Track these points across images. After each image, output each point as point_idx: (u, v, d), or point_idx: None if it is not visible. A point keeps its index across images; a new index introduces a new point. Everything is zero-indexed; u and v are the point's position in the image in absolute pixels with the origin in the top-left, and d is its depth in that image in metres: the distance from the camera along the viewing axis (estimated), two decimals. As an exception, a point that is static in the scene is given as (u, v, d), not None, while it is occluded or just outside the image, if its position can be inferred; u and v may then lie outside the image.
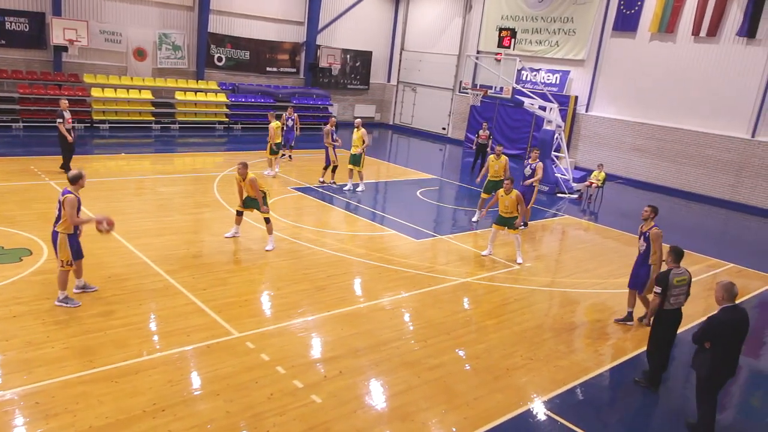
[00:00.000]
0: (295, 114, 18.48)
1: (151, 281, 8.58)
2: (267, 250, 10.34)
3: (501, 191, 11.08)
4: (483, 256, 11.37)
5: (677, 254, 6.96)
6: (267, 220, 10.46)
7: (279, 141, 16.34)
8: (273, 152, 16.30)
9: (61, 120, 13.85)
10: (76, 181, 7.44)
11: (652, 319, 7.19)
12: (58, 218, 7.30)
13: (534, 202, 14.07)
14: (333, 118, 16.83)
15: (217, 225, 11.53)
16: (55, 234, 7.34)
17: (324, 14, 27.09)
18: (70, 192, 7.29)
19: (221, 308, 7.94)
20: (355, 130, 15.50)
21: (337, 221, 12.78)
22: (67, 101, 14.55)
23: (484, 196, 13.67)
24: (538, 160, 13.79)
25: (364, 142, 15.30)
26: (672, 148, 20.53)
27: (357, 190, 15.53)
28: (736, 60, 18.87)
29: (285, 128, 17.80)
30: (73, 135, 14.17)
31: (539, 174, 13.52)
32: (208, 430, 5.47)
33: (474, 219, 13.76)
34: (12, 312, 7.25)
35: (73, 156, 14.49)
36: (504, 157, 13.77)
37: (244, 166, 10.42)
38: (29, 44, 20.28)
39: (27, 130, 19.63)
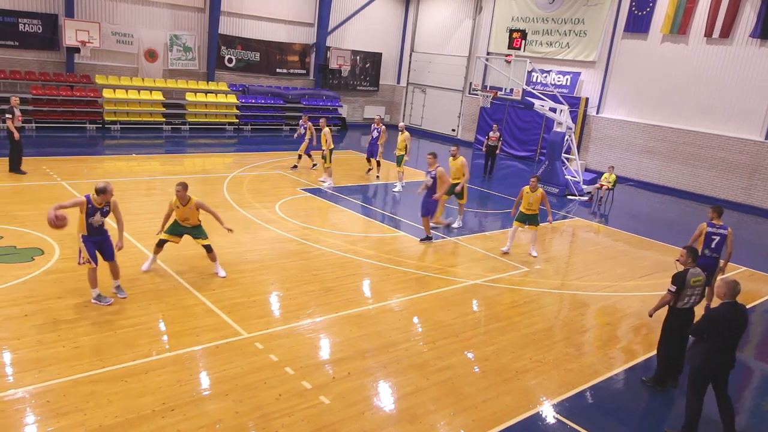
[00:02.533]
0: (310, 122, 17.57)
1: (160, 281, 8.62)
2: (222, 277, 8.98)
3: (526, 188, 11.31)
4: (503, 252, 11.60)
5: (694, 254, 6.96)
6: (209, 248, 8.94)
7: (332, 147, 15.94)
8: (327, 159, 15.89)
9: (10, 116, 13.42)
10: (100, 192, 7.41)
11: (657, 311, 7.17)
12: None
13: (442, 215, 12.12)
14: (323, 119, 17.46)
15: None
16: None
17: (334, 16, 27.15)
18: (89, 195, 7.42)
19: (230, 309, 7.97)
20: (400, 133, 16.57)
21: (346, 222, 12.79)
22: (18, 98, 14.05)
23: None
24: (437, 165, 11.49)
25: (407, 146, 16.25)
26: (684, 150, 20.37)
27: (393, 189, 16.32)
28: (750, 61, 18.69)
29: (298, 136, 17.67)
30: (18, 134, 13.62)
31: (445, 184, 11.51)
32: (216, 430, 5.48)
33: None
34: (24, 311, 7.31)
35: (23, 158, 13.87)
36: (460, 158, 12.78)
37: (184, 187, 8.56)
38: (42, 46, 20.49)
39: (40, 130, 19.81)
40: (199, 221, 8.88)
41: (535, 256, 11.64)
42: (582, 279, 10.88)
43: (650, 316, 7.25)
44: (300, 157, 17.51)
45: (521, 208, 11.45)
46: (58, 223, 7.11)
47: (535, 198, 11.20)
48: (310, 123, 17.53)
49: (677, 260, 7.14)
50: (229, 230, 8.99)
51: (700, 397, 6.14)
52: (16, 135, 13.49)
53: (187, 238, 8.96)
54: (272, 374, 6.49)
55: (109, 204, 7.56)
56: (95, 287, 7.65)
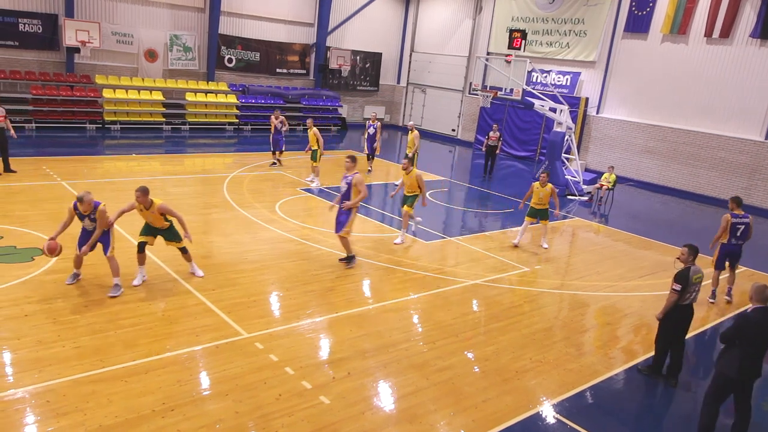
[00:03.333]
0: (282, 116, 17.87)
1: (160, 281, 8.62)
2: (200, 276, 8.92)
3: (537, 184, 11.85)
4: (513, 244, 12.12)
5: (695, 252, 7.16)
6: (184, 250, 8.77)
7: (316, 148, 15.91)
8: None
9: None
10: (79, 201, 7.75)
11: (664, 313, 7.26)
12: None
13: (350, 229, 9.88)
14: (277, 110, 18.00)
15: (226, 226, 11.58)
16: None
17: (334, 16, 27.15)
18: (76, 203, 7.82)
19: (230, 309, 7.97)
20: (410, 132, 16.87)
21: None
22: None
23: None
24: (355, 171, 9.88)
25: (416, 144, 16.54)
26: (684, 150, 20.37)
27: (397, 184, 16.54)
28: (750, 61, 18.69)
29: (274, 131, 17.51)
30: (11, 135, 13.67)
31: (362, 194, 9.74)
32: (217, 430, 5.48)
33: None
34: (24, 311, 7.31)
35: (9, 157, 13.73)
36: (414, 171, 11.69)
37: (144, 192, 8.21)
38: (42, 46, 20.49)
39: (40, 130, 19.81)
40: (169, 223, 8.56)
41: (545, 248, 12.28)
42: (582, 279, 10.88)
43: (659, 319, 7.29)
44: (281, 152, 17.79)
45: (532, 203, 11.96)
46: (51, 254, 7.87)
47: (545, 193, 11.76)
48: (283, 116, 17.94)
49: (678, 258, 7.25)
50: (189, 239, 8.52)
51: (719, 405, 6.06)
52: None
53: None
54: (272, 374, 6.49)
55: (94, 212, 7.83)
56: (76, 268, 8.27)
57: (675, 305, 7.08)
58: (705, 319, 9.61)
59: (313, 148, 15.83)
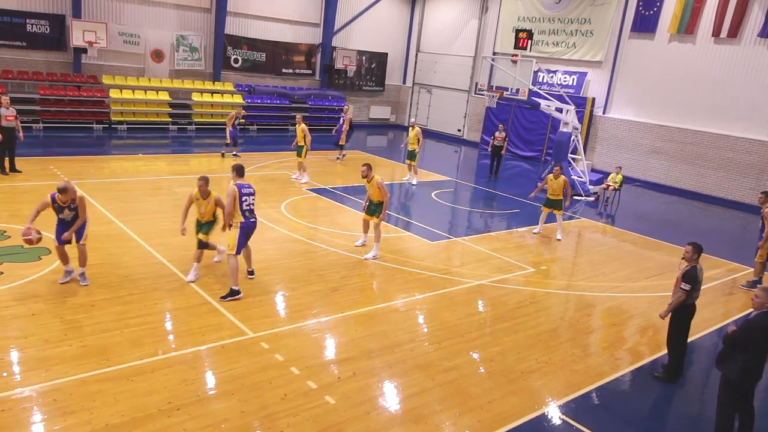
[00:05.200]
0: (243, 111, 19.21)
1: (166, 281, 8.65)
2: (222, 252, 9.28)
3: (551, 176, 12.64)
4: (534, 233, 13.04)
5: (700, 250, 7.20)
6: (206, 245, 8.90)
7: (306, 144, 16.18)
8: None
9: None
10: (62, 191, 7.83)
11: (669, 312, 7.28)
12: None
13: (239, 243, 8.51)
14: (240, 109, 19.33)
15: (232, 225, 11.58)
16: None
17: (340, 16, 27.16)
18: (54, 195, 7.88)
19: (236, 308, 7.98)
20: (410, 129, 17.11)
21: (352, 222, 12.76)
22: (8, 99, 13.60)
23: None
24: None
25: (419, 140, 16.80)
26: (691, 150, 20.27)
27: (411, 184, 16.97)
28: (758, 61, 18.56)
29: (233, 127, 18.36)
30: (19, 135, 13.64)
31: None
32: (222, 430, 5.49)
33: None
34: (31, 310, 7.35)
35: (15, 156, 13.77)
36: (375, 178, 10.46)
37: (206, 181, 8.64)
38: (50, 46, 20.58)
39: (47, 130, 19.91)
40: (214, 218, 8.87)
41: (559, 239, 12.86)
42: (588, 280, 10.84)
43: (662, 318, 7.32)
44: (236, 145, 18.64)
45: (548, 194, 12.79)
46: (28, 240, 7.79)
47: (558, 184, 12.52)
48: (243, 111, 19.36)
49: (683, 258, 7.25)
50: (229, 226, 8.51)
51: (735, 411, 5.99)
52: None
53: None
54: (278, 374, 6.50)
55: (74, 200, 7.95)
56: (64, 264, 8.24)
57: (682, 304, 7.08)
58: (713, 319, 9.55)
59: (299, 144, 15.92)
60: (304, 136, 15.82)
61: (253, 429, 5.56)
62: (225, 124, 18.78)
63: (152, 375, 6.22)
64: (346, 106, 21.06)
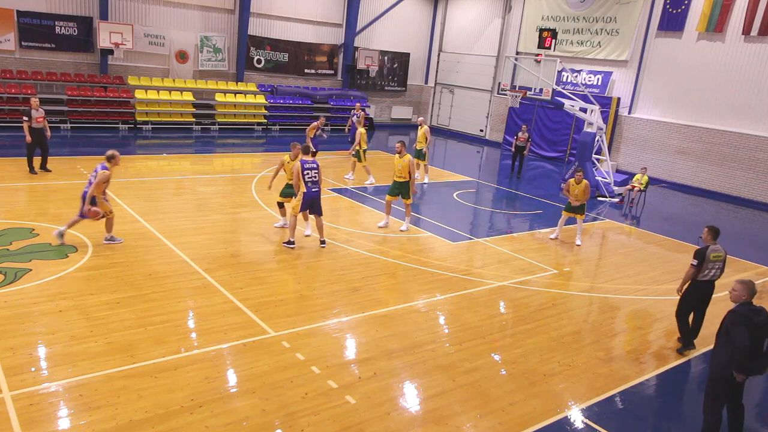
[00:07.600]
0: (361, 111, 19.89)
1: (189, 279, 8.74)
2: (307, 235, 11.11)
3: (572, 180, 12.45)
4: (551, 238, 12.73)
5: (715, 232, 7.81)
6: (282, 205, 11.36)
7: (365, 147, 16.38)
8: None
9: (27, 119, 13.46)
10: (110, 159, 9.47)
11: (684, 286, 7.97)
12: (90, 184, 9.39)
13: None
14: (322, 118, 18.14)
15: (254, 225, 11.69)
16: (93, 198, 9.40)
17: (362, 16, 27.20)
18: (106, 168, 9.34)
19: (258, 307, 8.03)
20: (419, 127, 16.93)
21: (373, 222, 12.77)
22: (37, 100, 13.84)
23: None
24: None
25: (427, 138, 16.68)
26: (719, 151, 19.86)
27: (422, 183, 16.79)
28: (789, 60, 18.13)
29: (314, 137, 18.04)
30: (47, 134, 13.91)
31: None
32: (243, 428, 5.53)
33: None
34: (58, 307, 7.49)
35: (40, 157, 13.95)
36: (407, 156, 11.88)
37: (296, 146, 10.89)
38: (77, 48, 20.99)
39: (74, 130, 20.30)
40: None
41: (579, 245, 12.56)
42: (612, 282, 10.68)
43: (678, 292, 7.97)
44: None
45: (570, 199, 12.52)
46: (93, 217, 9.36)
47: (580, 189, 12.33)
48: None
49: (700, 237, 8.12)
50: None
51: (722, 407, 5.89)
52: (28, 138, 13.53)
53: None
54: (299, 373, 6.52)
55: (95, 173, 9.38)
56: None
57: (693, 280, 7.75)
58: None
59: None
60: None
61: (273, 427, 5.59)
62: (248, 125, 18.85)
63: (175, 372, 6.29)
64: (358, 104, 21.56)
